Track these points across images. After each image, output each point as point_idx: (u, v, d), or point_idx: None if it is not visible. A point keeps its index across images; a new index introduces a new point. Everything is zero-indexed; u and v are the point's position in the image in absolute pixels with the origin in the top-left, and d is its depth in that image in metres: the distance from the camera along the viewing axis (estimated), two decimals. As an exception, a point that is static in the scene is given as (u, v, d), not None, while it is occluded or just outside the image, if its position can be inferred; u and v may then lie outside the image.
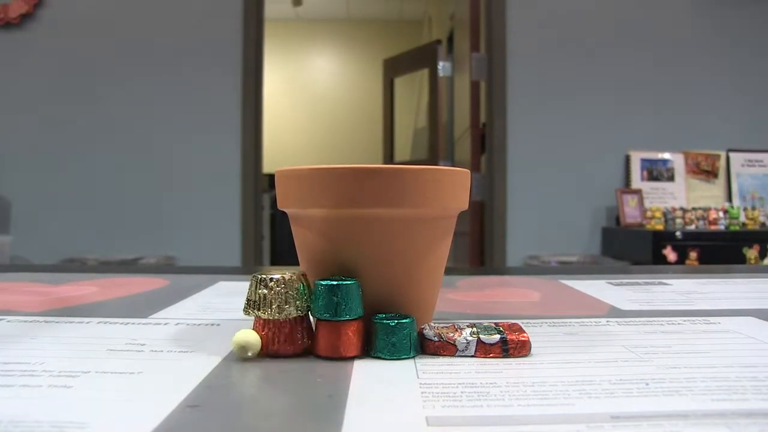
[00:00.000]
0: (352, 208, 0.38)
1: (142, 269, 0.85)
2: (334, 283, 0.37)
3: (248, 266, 2.66)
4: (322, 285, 0.37)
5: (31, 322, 0.48)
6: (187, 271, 0.84)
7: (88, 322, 0.48)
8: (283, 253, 5.66)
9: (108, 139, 2.97)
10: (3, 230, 2.95)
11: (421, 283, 0.41)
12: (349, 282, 0.37)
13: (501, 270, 0.86)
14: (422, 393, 0.30)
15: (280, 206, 0.42)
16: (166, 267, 0.89)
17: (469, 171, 0.43)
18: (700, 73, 2.99)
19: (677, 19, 2.99)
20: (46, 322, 0.48)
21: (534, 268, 0.87)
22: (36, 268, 0.85)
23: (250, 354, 0.37)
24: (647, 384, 0.32)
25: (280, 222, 5.53)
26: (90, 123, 2.97)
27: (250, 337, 0.37)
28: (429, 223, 0.40)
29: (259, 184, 3.04)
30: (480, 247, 3.15)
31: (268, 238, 5.36)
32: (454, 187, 0.41)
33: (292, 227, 0.43)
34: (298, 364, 0.36)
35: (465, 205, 0.42)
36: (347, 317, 0.37)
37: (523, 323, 0.47)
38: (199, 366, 0.36)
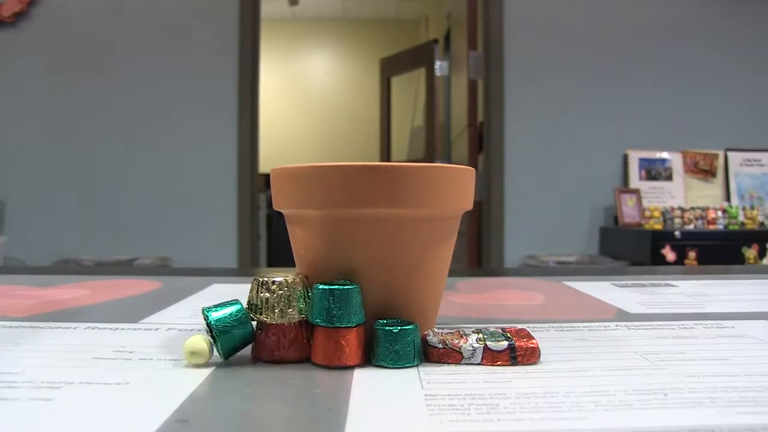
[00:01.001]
0: (353, 208, 0.36)
1: (135, 271, 0.83)
2: (332, 287, 0.35)
3: (244, 267, 2.65)
4: (319, 289, 0.35)
5: (15, 327, 0.46)
6: (181, 272, 0.82)
7: (75, 328, 0.46)
8: (280, 254, 5.63)
9: (103, 139, 2.95)
10: (-3, 231, 2.92)
11: (424, 286, 0.39)
12: (348, 286, 0.35)
13: (502, 271, 0.84)
14: (427, 405, 0.28)
15: (276, 206, 0.40)
16: (159, 269, 0.87)
17: (473, 169, 0.41)
18: (698, 72, 2.98)
19: (675, 18, 2.97)
20: (32, 327, 0.46)
21: (536, 269, 0.86)
22: (27, 270, 0.83)
23: (202, 361, 0.35)
24: (666, 394, 0.30)
25: (276, 222, 5.51)
26: (85, 123, 2.94)
27: (200, 344, 0.35)
28: (433, 224, 0.38)
29: (255, 184, 3.02)
30: (477, 247, 3.13)
31: (265, 239, 5.33)
32: (459, 186, 0.39)
33: (288, 228, 0.41)
34: (295, 372, 0.34)
35: (470, 205, 0.40)
36: (345, 324, 0.35)
37: (528, 328, 0.45)
38: (190, 376, 0.34)
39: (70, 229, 2.94)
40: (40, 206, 2.94)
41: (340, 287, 0.35)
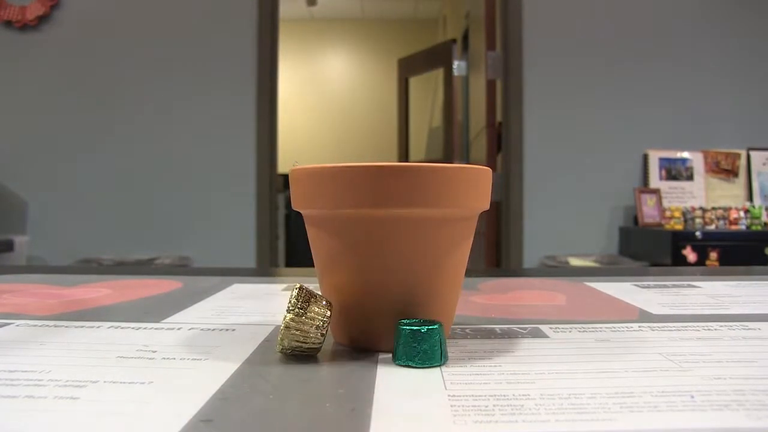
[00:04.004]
0: (374, 209, 0.36)
1: (156, 270, 0.84)
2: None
3: (263, 267, 2.66)
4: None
5: (40, 326, 0.47)
6: (201, 272, 0.82)
7: (98, 327, 0.47)
8: (298, 254, 5.65)
9: (124, 140, 2.97)
10: (20, 230, 2.96)
11: (445, 286, 0.39)
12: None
13: (521, 271, 0.84)
14: (451, 406, 0.28)
15: (295, 206, 0.40)
16: (179, 268, 0.87)
17: (490, 169, 0.41)
18: (719, 71, 2.94)
19: (695, 17, 2.94)
20: (56, 326, 0.47)
21: (557, 270, 0.85)
22: (50, 269, 0.84)
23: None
24: (692, 396, 0.30)
25: (295, 222, 5.53)
26: (106, 124, 2.97)
27: None
28: (453, 224, 0.38)
29: (273, 184, 3.03)
30: (496, 247, 3.12)
31: (283, 239, 5.35)
32: (478, 186, 0.39)
33: (308, 229, 0.41)
34: (318, 372, 0.34)
35: (487, 205, 0.40)
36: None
37: (551, 328, 0.45)
38: (214, 375, 0.34)
39: (92, 229, 2.97)
40: (62, 206, 2.97)
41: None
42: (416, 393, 0.30)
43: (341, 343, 0.41)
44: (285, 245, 5.48)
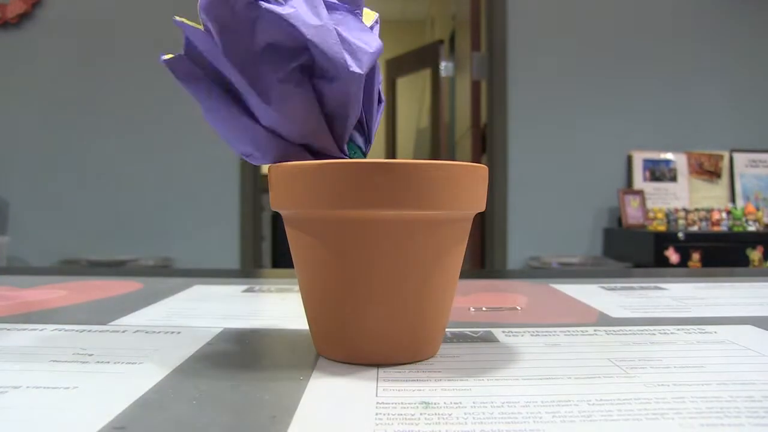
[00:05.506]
0: (360, 209, 0.33)
1: (121, 272, 0.83)
2: None
3: (247, 268, 2.64)
4: None
5: (-20, 329, 0.45)
6: (167, 273, 0.81)
7: (42, 330, 0.45)
8: (285, 255, 5.62)
9: (106, 140, 2.95)
10: (0, 231, 2.93)
11: (438, 294, 0.36)
12: None
13: (495, 273, 0.83)
14: (376, 414, 0.27)
15: (274, 206, 0.37)
16: (147, 269, 0.86)
17: (487, 167, 0.37)
18: (703, 73, 2.95)
19: (680, 17, 2.95)
20: (-4, 329, 0.45)
21: (529, 272, 0.84)
22: (13, 270, 0.83)
23: None
24: (630, 405, 0.29)
25: (281, 223, 5.50)
26: (88, 123, 2.94)
27: None
28: (450, 226, 0.35)
29: (258, 185, 3.01)
30: (481, 249, 3.11)
31: (270, 240, 5.32)
32: (475, 184, 0.35)
33: (287, 232, 0.37)
34: (253, 376, 0.33)
35: (483, 206, 0.37)
36: None
37: (503, 332, 0.44)
38: (141, 380, 0.33)
39: (74, 229, 2.94)
40: (44, 206, 2.94)
41: None
42: (345, 400, 0.29)
43: (326, 357, 0.37)
44: (272, 246, 5.45)
